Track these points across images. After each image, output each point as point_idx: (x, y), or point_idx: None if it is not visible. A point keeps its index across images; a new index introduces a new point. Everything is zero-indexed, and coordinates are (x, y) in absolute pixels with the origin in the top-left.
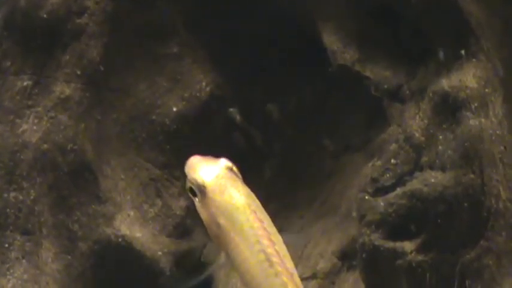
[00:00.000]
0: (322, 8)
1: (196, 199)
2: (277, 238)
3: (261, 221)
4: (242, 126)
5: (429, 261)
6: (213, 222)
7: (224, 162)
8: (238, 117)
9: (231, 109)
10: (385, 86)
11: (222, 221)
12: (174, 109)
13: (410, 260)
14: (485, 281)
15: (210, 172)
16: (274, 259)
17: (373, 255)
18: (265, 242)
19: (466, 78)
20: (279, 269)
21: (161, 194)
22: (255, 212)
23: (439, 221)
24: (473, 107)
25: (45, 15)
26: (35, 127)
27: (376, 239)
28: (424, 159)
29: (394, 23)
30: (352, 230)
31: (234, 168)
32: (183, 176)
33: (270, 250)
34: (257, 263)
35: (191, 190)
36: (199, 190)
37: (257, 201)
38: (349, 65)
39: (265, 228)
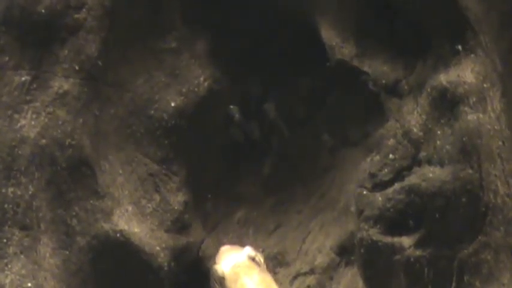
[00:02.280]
0: (320, 2)
1: None
2: None
3: None
4: (241, 123)
5: (427, 257)
6: None
7: (247, 251)
8: (237, 115)
9: (231, 106)
10: (383, 81)
11: None
12: (172, 104)
13: (408, 255)
14: (483, 276)
15: (229, 263)
16: None
17: (371, 251)
18: None
19: (464, 73)
20: None
21: (159, 189)
22: None
23: (437, 216)
24: (471, 102)
25: (43, 10)
26: (33, 122)
27: (374, 234)
28: (422, 154)
29: (392, 17)
30: (350, 225)
31: (257, 257)
32: (181, 170)
33: None
34: None
35: (215, 281)
36: (219, 280)
37: (271, 286)
38: (347, 60)
39: None
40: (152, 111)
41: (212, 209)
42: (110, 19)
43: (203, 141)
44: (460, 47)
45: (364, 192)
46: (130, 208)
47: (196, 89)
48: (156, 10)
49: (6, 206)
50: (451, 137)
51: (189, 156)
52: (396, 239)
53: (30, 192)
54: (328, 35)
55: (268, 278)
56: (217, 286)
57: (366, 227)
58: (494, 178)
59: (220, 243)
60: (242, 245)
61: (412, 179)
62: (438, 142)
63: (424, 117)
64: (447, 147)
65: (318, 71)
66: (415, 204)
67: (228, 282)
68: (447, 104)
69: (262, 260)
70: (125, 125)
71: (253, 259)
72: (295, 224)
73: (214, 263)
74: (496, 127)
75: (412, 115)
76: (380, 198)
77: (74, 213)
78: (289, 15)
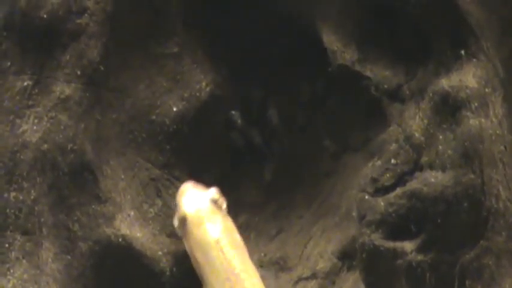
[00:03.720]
0: (322, 8)
1: (179, 230)
2: (249, 274)
3: (232, 257)
4: (242, 128)
5: (429, 261)
6: (192, 254)
7: (211, 194)
8: (239, 121)
9: (233, 112)
10: (385, 86)
11: (198, 254)
12: (174, 109)
13: (410, 260)
14: (485, 281)
15: (193, 204)
16: None
17: (373, 255)
18: (234, 278)
19: (466, 78)
20: None
21: (161, 193)
22: (227, 247)
23: (439, 220)
24: (473, 106)
25: (45, 16)
26: (35, 127)
27: (376, 239)
28: (424, 159)
29: (393, 23)
30: (352, 230)
31: (220, 200)
32: (183, 175)
33: (239, 287)
34: None
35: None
36: (181, 221)
37: (234, 236)
38: (349, 65)
39: (235, 265)
40: (154, 116)
41: None
42: (112, 24)
43: (205, 146)
44: (463, 52)
45: (366, 197)
46: (132, 213)
47: (198, 94)
48: (157, 16)
49: (8, 210)
50: (453, 141)
51: (190, 161)
52: (398, 244)
53: (32, 197)
54: (330, 40)
55: (230, 225)
56: (177, 223)
57: (368, 231)
58: (496, 183)
59: None
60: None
61: (413, 184)
62: (440, 147)
63: (425, 122)
64: (449, 152)
65: (319, 76)
66: (416, 209)
67: (190, 224)
68: (449, 108)
69: (225, 205)
70: (127, 130)
71: (215, 202)
72: (296, 229)
73: (179, 198)
74: (498, 132)
75: (414, 120)
76: (382, 203)
77: (75, 218)
78: (290, 20)
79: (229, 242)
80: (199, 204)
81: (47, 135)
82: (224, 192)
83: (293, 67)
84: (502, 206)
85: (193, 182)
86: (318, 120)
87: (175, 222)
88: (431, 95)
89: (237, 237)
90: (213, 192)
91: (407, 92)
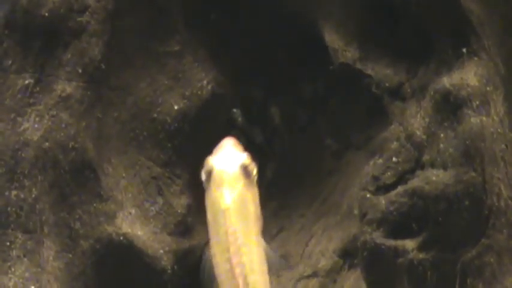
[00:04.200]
0: (323, 6)
1: (205, 183)
2: (250, 249)
3: (237, 229)
4: (243, 127)
5: (430, 260)
6: (206, 209)
7: (243, 158)
8: (240, 119)
9: (234, 110)
10: (387, 84)
11: (209, 214)
12: (175, 107)
13: (411, 258)
14: (486, 279)
15: (222, 162)
16: (237, 270)
17: (375, 254)
18: (233, 249)
19: (468, 76)
20: (239, 281)
21: (162, 192)
22: (234, 217)
23: (440, 219)
24: (474, 105)
25: (46, 14)
26: (36, 125)
27: (378, 237)
28: (426, 157)
29: (395, 21)
30: (354, 228)
31: (251, 167)
32: (185, 174)
33: (235, 260)
34: (224, 272)
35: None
36: (207, 174)
37: (248, 207)
38: (350, 63)
39: (237, 237)
40: (155, 115)
41: None
42: (113, 22)
43: (206, 145)
44: (464, 50)
45: (368, 195)
46: (133, 211)
47: (199, 92)
48: (159, 14)
49: (9, 209)
50: (454, 140)
51: (192, 159)
52: (399, 242)
53: (33, 196)
54: (331, 39)
55: (249, 195)
56: (204, 176)
57: (369, 230)
58: (498, 181)
59: None
60: None
61: (415, 182)
62: (441, 145)
63: (427, 120)
64: (450, 150)
65: (320, 74)
66: (418, 208)
67: (212, 181)
68: (450, 107)
69: (255, 171)
70: (128, 128)
71: (245, 168)
72: (298, 227)
73: (215, 150)
74: (499, 130)
75: (415, 118)
76: (383, 202)
77: (77, 217)
78: (292, 19)
79: (238, 213)
80: (228, 164)
81: (48, 134)
82: None
83: (294, 66)
84: (503, 204)
85: (235, 140)
86: (320, 118)
87: (203, 175)
88: (432, 93)
89: (252, 209)
90: (245, 157)
91: (409, 91)
